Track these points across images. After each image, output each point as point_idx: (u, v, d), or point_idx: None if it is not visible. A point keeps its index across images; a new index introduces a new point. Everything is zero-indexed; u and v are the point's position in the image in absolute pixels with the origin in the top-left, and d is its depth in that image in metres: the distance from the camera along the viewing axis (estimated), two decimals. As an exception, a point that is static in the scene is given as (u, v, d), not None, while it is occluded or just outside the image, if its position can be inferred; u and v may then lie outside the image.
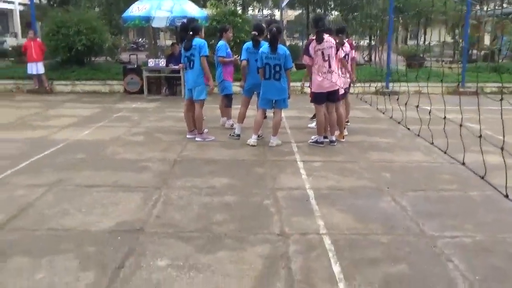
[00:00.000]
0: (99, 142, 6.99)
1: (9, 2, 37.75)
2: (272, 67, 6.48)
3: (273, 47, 6.43)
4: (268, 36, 6.60)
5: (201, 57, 6.76)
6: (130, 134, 7.67)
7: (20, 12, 38.78)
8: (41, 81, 13.04)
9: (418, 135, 2.92)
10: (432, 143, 2.83)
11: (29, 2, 14.06)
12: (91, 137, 7.42)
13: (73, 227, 3.80)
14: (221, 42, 7.68)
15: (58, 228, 3.78)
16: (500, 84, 13.30)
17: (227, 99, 7.95)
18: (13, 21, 39.81)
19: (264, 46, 6.61)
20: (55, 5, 19.91)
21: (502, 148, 1.99)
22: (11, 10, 39.38)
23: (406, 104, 3.21)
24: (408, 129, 3.10)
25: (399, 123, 3.16)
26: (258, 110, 7.07)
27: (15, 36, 36.45)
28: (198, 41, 6.80)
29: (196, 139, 7.11)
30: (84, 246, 3.45)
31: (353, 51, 7.76)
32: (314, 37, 6.59)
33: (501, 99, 1.97)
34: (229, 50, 7.78)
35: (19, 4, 38.19)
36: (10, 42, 29.15)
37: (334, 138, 6.88)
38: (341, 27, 7.52)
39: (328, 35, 6.62)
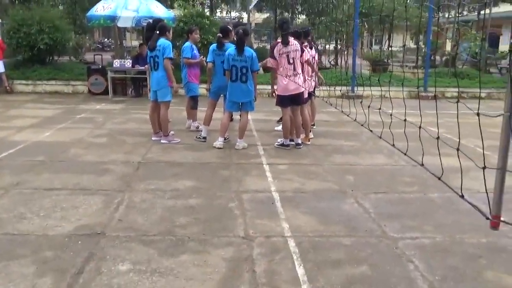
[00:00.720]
0: (60, 144, 6.80)
1: (-33, -2, 36.36)
2: (239, 69, 6.47)
3: (240, 49, 6.42)
4: (235, 38, 6.60)
5: (164, 59, 6.68)
6: (93, 135, 7.50)
7: (-21, 8, 37.46)
8: (0, 81, 12.60)
9: (380, 137, 2.96)
10: (393, 145, 2.87)
11: (-12, -1, 13.56)
12: (52, 138, 7.22)
13: (31, 232, 3.67)
14: (187, 44, 7.61)
15: (14, 233, 3.64)
16: (460, 89, 13.73)
17: (193, 101, 7.89)
18: (-29, 18, 38.35)
19: (231, 48, 6.60)
20: (16, 2, 19.29)
21: (457, 149, 2.04)
22: (-31, 7, 37.94)
23: (369, 107, 3.25)
24: (371, 131, 3.14)
25: (362, 125, 3.20)
26: (224, 112, 7.04)
27: (-26, 33, 35.15)
28: (162, 42, 6.72)
29: (162, 141, 7.02)
30: (42, 251, 3.33)
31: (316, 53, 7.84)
32: (280, 40, 6.63)
33: (457, 102, 2.02)
34: (195, 51, 7.69)
35: (-22, 0, 36.90)
36: (-32, 39, 28.06)
37: (300, 141, 6.93)
38: (306, 30, 7.58)
39: (293, 38, 6.67)
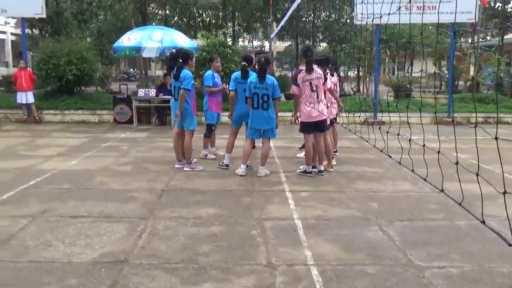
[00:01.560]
0: (86, 172, 6.93)
1: (1, 32, 37.95)
2: (260, 96, 6.53)
3: (262, 76, 6.50)
4: (257, 66, 6.69)
5: (181, 89, 6.81)
6: (118, 164, 7.63)
7: (12, 41, 39.02)
8: (30, 111, 13.00)
9: (399, 163, 2.94)
10: (413, 171, 2.84)
11: (21, 32, 14.12)
12: (79, 167, 7.36)
13: (56, 259, 3.72)
14: (208, 72, 7.78)
15: (40, 260, 3.70)
16: (485, 114, 13.53)
17: (207, 129, 7.96)
18: (4, 51, 39.95)
19: (253, 76, 6.69)
20: (46, 35, 20.08)
21: (477, 175, 2.01)
22: (2, 40, 39.56)
23: (387, 133, 3.23)
24: (390, 156, 3.11)
25: (381, 151, 3.18)
26: (246, 140, 7.08)
27: (6, 65, 36.52)
28: (185, 73, 6.84)
29: (185, 168, 7.08)
30: (67, 278, 3.37)
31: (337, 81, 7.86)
32: (303, 68, 6.68)
33: (475, 126, 2.00)
34: (217, 80, 7.82)
35: (11, 34, 38.45)
36: (0, 71, 29.16)
37: (322, 168, 6.90)
38: (327, 57, 7.62)
39: (316, 65, 6.72)
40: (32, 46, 20.96)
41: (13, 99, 13.38)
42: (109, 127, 12.34)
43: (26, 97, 12.79)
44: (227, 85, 7.77)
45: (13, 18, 26.17)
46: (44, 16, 13.92)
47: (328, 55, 9.25)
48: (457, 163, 2.22)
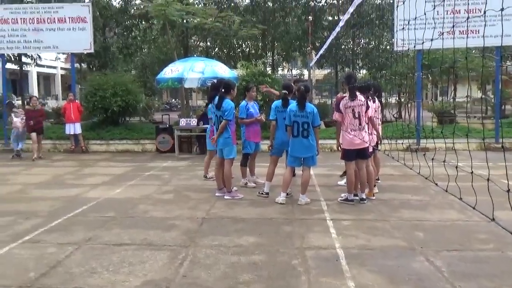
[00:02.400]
0: (130, 200, 7.09)
1: (52, 67, 40.05)
2: (300, 124, 6.54)
3: (302, 105, 6.53)
4: (297, 94, 6.72)
5: (223, 119, 6.92)
6: (160, 192, 7.76)
7: (61, 75, 41.05)
8: (77, 141, 13.52)
9: (446, 191, 2.85)
10: (461, 199, 2.74)
11: (70, 67, 14.86)
12: (122, 195, 7.54)
13: (100, 286, 3.78)
14: (242, 103, 7.88)
15: (85, 287, 3.77)
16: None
17: (243, 157, 8.02)
18: (54, 84, 42.07)
19: (293, 104, 6.72)
20: (94, 68, 20.99)
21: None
22: (53, 74, 41.79)
23: (432, 159, 3.15)
24: (436, 184, 3.03)
25: (426, 178, 3.10)
26: (286, 168, 7.07)
27: (56, 98, 38.33)
28: (227, 103, 6.95)
29: (225, 197, 7.12)
30: (110, 306, 3.41)
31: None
32: (346, 94, 6.67)
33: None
34: (252, 110, 7.85)
35: (61, 68, 40.51)
36: (51, 104, 30.63)
37: (364, 196, 6.77)
38: (368, 84, 7.55)
39: (359, 92, 6.69)
40: (80, 79, 21.96)
41: (62, 130, 13.98)
42: (151, 156, 12.63)
43: (74, 128, 13.33)
44: (263, 115, 7.88)
45: (63, 54, 27.57)
46: (92, 51, 14.61)
47: (369, 81, 9.18)
48: (508, 190, 2.13)
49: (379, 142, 7.03)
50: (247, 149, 7.92)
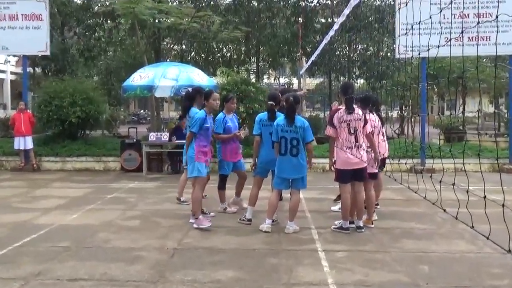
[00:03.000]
0: (88, 228, 6.97)
1: (0, 71, 39.57)
2: (289, 141, 6.52)
3: (290, 118, 6.52)
4: (285, 105, 6.74)
5: (188, 131, 6.94)
6: (124, 218, 7.67)
7: (11, 81, 40.57)
8: (28, 158, 13.31)
9: (456, 218, 2.85)
10: (473, 227, 2.75)
11: (21, 71, 14.72)
12: (80, 221, 7.42)
13: (50, 329, 3.68)
14: (219, 115, 7.70)
15: (32, 331, 3.67)
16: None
17: (220, 179, 7.89)
18: (2, 91, 41.49)
19: (280, 117, 6.73)
20: (50, 73, 20.83)
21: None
22: (1, 80, 41.21)
23: (440, 182, 3.16)
24: (444, 210, 3.04)
25: (433, 204, 3.11)
26: (272, 190, 7.05)
27: (4, 107, 37.83)
28: (194, 111, 7.02)
29: (190, 220, 7.04)
30: None
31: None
32: (342, 106, 6.70)
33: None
34: (230, 123, 7.70)
35: (11, 73, 40.02)
36: (-3, 114, 30.24)
37: (361, 224, 6.77)
38: (368, 96, 7.59)
39: (356, 105, 6.74)
40: (34, 86, 21.77)
41: (10, 144, 13.78)
42: (115, 176, 12.51)
43: (25, 142, 13.14)
44: (244, 131, 7.85)
45: (14, 56, 27.35)
46: (48, 53, 14.53)
47: (367, 92, 9.27)
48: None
49: (377, 163, 7.00)
50: (224, 170, 7.82)
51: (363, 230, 6.72)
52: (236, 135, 7.69)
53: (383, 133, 7.63)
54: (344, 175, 6.65)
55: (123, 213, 8.00)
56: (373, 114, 7.26)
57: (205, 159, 6.97)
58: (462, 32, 11.50)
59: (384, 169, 7.65)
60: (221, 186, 7.93)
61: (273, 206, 6.80)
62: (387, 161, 7.67)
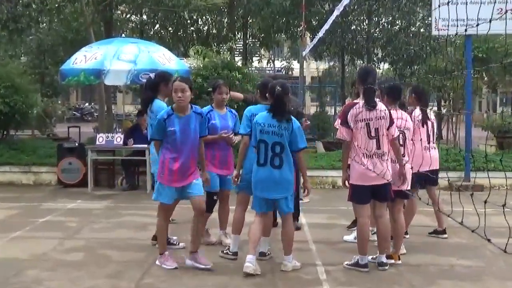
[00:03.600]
0: (13, 263, 6.96)
1: None
2: (270, 146, 6.43)
3: (277, 115, 6.42)
4: (268, 97, 6.74)
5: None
6: (62, 250, 7.66)
7: None
8: None
9: (505, 251, 2.91)
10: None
11: None
12: (1, 254, 7.40)
13: None
14: (205, 109, 7.55)
15: None
16: None
17: (206, 197, 7.45)
18: None
19: (261, 113, 6.65)
20: (-40, 52, 20.71)
21: None
22: None
23: (504, 205, 3.21)
24: (489, 240, 3.09)
25: (473, 231, 3.17)
26: (256, 216, 6.86)
27: None
28: (157, 105, 7.09)
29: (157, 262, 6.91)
30: None
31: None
32: (361, 99, 6.67)
33: None
34: (216, 121, 7.62)
35: None
36: None
37: (384, 259, 6.82)
38: (393, 86, 7.66)
39: (379, 99, 6.80)
40: None
41: None
42: (50, 193, 12.47)
43: None
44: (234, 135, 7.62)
45: None
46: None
47: (395, 81, 9.34)
48: None
49: (402, 179, 6.94)
50: (208, 185, 7.45)
51: (387, 267, 6.76)
52: (223, 137, 7.55)
53: (428, 137, 7.67)
54: (360, 193, 6.65)
55: (60, 243, 7.98)
56: (402, 110, 7.31)
57: (172, 179, 6.68)
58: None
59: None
60: (208, 208, 7.50)
61: (254, 236, 6.63)
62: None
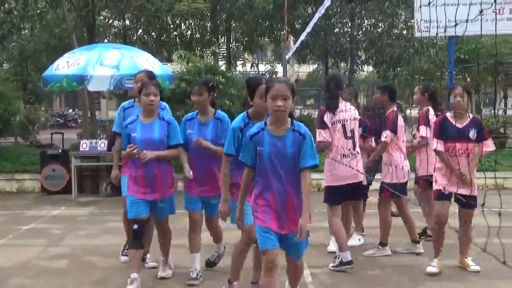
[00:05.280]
0: (-3, 271, 6.93)
1: None
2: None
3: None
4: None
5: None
6: (46, 257, 7.63)
7: None
8: None
9: (485, 251, 2.93)
10: (504, 263, 2.82)
11: None
12: (-16, 262, 7.37)
13: None
14: (186, 117, 6.74)
15: None
16: None
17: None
18: None
19: (238, 117, 5.78)
20: None
21: None
22: None
23: (483, 205, 3.23)
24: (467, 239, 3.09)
25: (456, 231, 3.18)
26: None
27: None
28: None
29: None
30: None
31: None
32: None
33: None
34: (192, 130, 6.51)
35: None
36: None
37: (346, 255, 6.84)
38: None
39: (349, 102, 7.02)
40: None
41: None
42: (34, 200, 12.41)
43: None
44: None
45: None
46: None
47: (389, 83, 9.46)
48: None
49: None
50: (186, 204, 6.68)
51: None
52: (199, 143, 6.35)
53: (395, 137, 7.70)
54: (335, 194, 6.86)
55: (44, 251, 7.95)
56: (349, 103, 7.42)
57: (142, 191, 6.17)
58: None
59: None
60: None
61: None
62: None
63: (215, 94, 6.77)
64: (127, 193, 6.34)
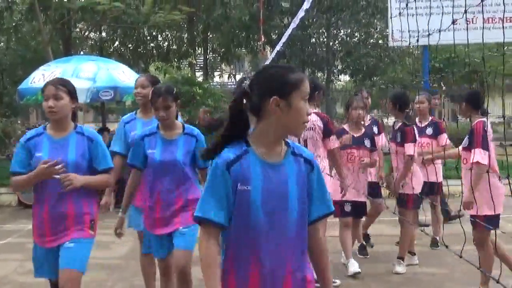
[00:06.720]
0: (-28, 287, 6.86)
1: None
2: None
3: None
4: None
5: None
6: (23, 271, 7.54)
7: None
8: None
9: (461, 257, 2.95)
10: (479, 268, 2.85)
11: None
12: (-40, 278, 7.30)
13: None
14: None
15: None
16: None
17: None
18: None
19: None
20: None
21: None
22: None
23: (459, 211, 3.27)
24: (446, 246, 3.14)
25: (436, 237, 3.21)
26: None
27: None
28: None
29: None
30: None
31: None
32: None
33: None
34: (155, 150, 5.19)
35: None
36: None
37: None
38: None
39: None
40: None
41: None
42: (10, 214, 12.33)
43: None
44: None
45: None
46: None
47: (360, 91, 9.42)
48: None
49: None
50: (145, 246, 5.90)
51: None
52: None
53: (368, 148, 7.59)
54: None
55: (21, 265, 7.87)
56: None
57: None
58: (482, 8, 11.75)
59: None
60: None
61: None
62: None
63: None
64: None
